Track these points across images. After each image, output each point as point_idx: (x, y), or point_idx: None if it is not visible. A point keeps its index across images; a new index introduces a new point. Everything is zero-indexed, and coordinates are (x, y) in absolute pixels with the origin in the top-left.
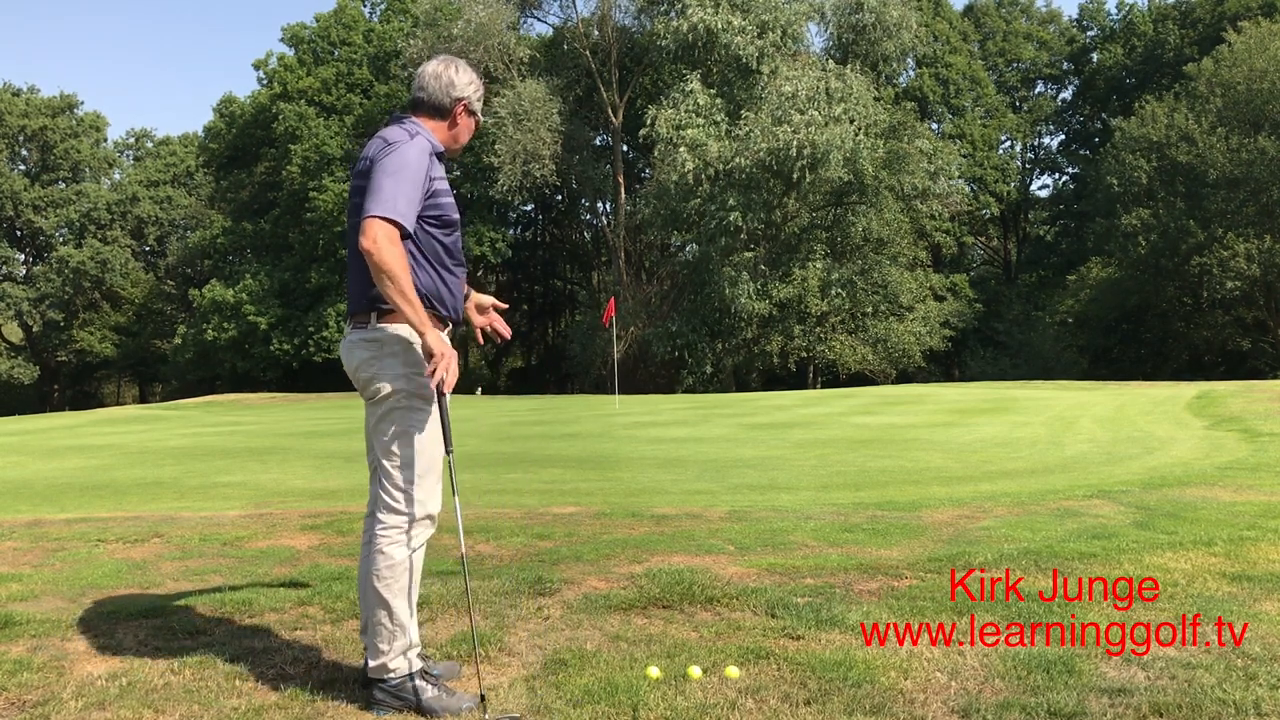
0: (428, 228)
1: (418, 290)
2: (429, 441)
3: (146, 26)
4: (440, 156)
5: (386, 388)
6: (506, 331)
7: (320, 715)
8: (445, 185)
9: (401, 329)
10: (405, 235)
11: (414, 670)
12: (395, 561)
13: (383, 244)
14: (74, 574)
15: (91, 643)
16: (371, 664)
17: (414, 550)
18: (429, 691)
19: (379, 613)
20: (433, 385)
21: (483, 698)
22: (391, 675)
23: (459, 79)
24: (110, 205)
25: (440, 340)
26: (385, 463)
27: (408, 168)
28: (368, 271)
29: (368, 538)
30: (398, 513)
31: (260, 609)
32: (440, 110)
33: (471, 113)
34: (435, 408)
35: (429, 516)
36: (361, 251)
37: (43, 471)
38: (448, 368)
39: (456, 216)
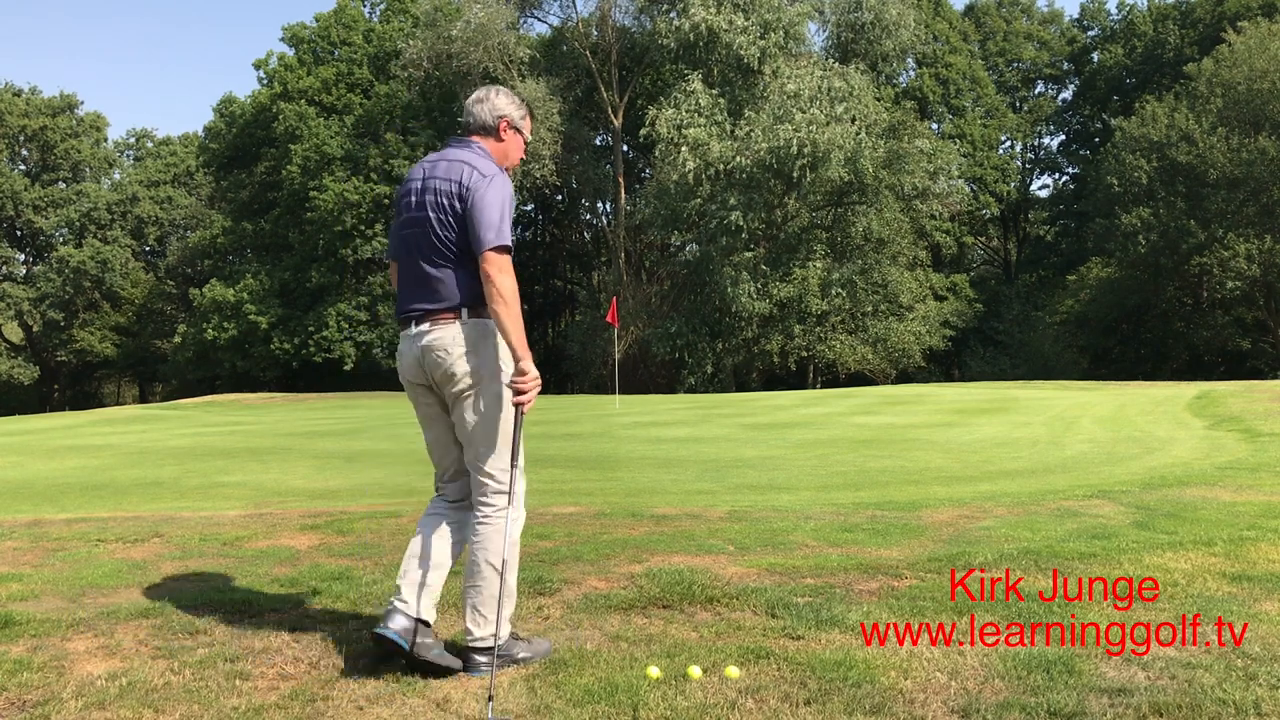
0: None
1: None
2: (520, 433)
3: (146, 26)
4: None
5: (494, 370)
6: None
7: (320, 715)
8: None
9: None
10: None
11: (512, 634)
12: (513, 540)
13: (505, 273)
14: (74, 574)
15: (91, 643)
16: (478, 633)
17: (521, 527)
18: (521, 650)
19: (493, 585)
20: (524, 405)
21: (490, 697)
22: (499, 640)
23: (499, 100)
24: (110, 205)
25: (533, 365)
26: (490, 450)
27: (507, 197)
28: (453, 276)
29: (476, 517)
30: (506, 494)
31: (260, 609)
32: (487, 129)
33: (516, 129)
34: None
35: (523, 498)
36: (488, 273)
37: (43, 471)
38: (536, 391)
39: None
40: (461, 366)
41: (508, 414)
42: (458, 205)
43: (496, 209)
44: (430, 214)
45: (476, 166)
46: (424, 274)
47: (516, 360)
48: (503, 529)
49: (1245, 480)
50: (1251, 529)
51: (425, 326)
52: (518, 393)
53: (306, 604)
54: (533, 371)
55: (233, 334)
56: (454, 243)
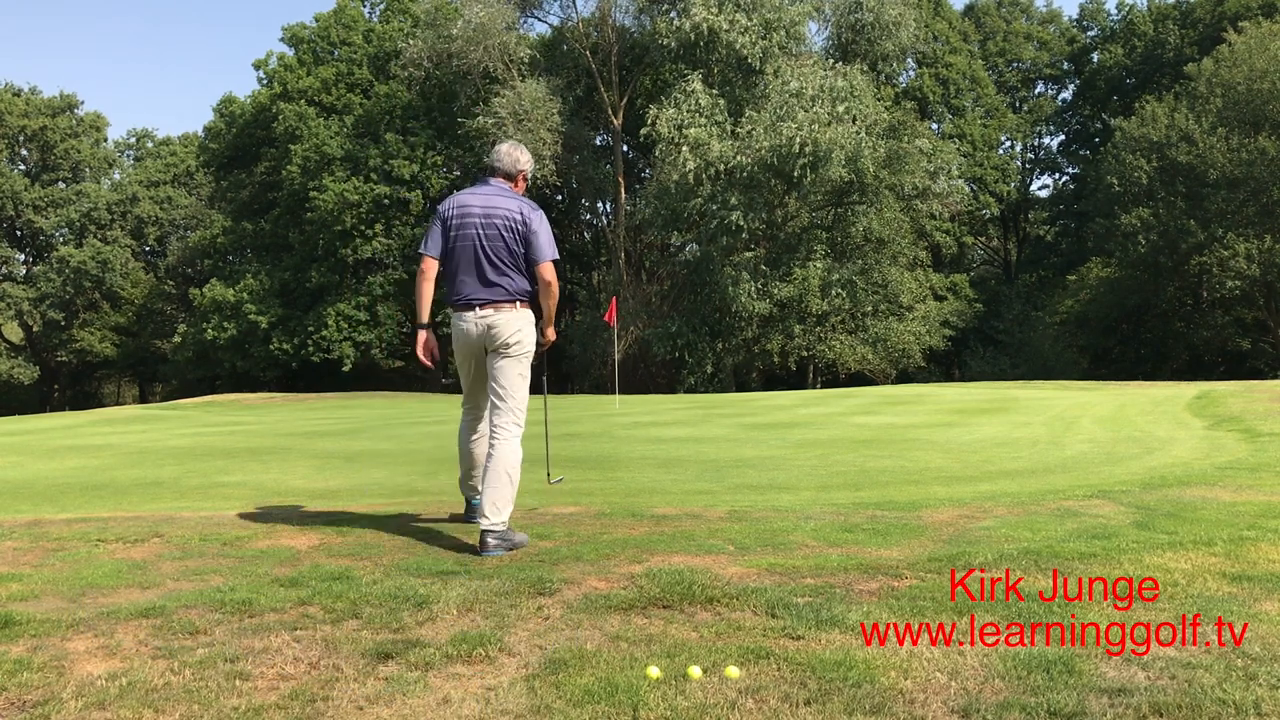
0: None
1: (529, 293)
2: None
3: (146, 26)
4: None
5: (529, 344)
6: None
7: (320, 715)
8: None
9: (530, 313)
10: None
11: (508, 526)
12: (521, 453)
13: (555, 279)
14: (74, 574)
15: (91, 643)
16: (493, 519)
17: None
18: (518, 535)
19: (508, 485)
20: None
21: (549, 475)
22: (505, 525)
23: (522, 157)
24: (110, 205)
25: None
26: (515, 393)
27: (548, 224)
28: (511, 279)
29: (493, 439)
30: (520, 425)
31: (260, 609)
32: (510, 176)
33: (526, 180)
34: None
35: None
36: (547, 279)
37: (43, 471)
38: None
39: None
40: (514, 339)
41: (528, 370)
42: (522, 229)
43: (549, 234)
44: (504, 233)
45: (528, 203)
46: (491, 275)
47: (548, 328)
48: (514, 446)
49: (1245, 480)
50: (1251, 529)
51: (489, 312)
52: (545, 344)
53: (306, 604)
54: (553, 336)
55: (232, 334)
56: (517, 255)
